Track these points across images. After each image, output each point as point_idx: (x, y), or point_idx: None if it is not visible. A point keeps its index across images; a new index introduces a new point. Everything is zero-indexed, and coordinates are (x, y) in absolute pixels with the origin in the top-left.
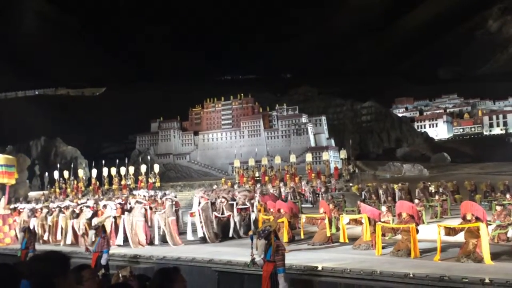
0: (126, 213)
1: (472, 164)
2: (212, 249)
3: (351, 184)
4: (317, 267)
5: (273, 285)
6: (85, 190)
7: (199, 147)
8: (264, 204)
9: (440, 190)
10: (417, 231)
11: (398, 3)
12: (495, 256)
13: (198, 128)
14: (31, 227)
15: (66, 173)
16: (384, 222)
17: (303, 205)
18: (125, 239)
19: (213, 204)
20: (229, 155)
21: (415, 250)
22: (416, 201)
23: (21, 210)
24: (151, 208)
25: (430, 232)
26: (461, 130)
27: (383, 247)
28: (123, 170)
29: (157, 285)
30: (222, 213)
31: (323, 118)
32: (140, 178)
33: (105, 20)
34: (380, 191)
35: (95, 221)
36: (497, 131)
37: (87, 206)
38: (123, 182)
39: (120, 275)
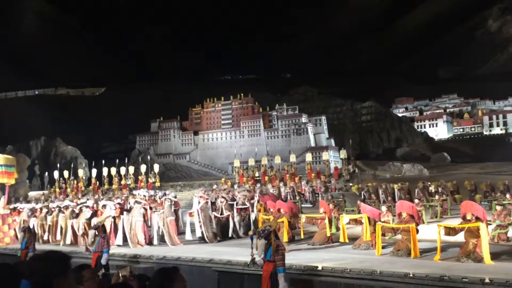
0: (125, 213)
1: (472, 164)
2: (212, 249)
3: (351, 184)
4: (317, 267)
5: (273, 285)
6: (85, 190)
7: (199, 147)
8: (264, 204)
9: (440, 190)
10: (417, 231)
11: (398, 3)
12: (495, 256)
13: (198, 128)
14: (31, 227)
15: (66, 173)
16: (384, 222)
17: (303, 205)
18: (124, 239)
19: (213, 204)
20: (229, 155)
21: (415, 250)
22: (416, 201)
23: (20, 210)
24: (151, 208)
25: (430, 232)
26: (461, 130)
27: (383, 247)
28: (123, 170)
29: (157, 285)
30: (221, 213)
31: (323, 118)
32: (140, 178)
33: (105, 20)
34: (380, 191)
35: (94, 221)
36: (497, 131)
37: (87, 206)
38: (123, 182)
39: (120, 275)
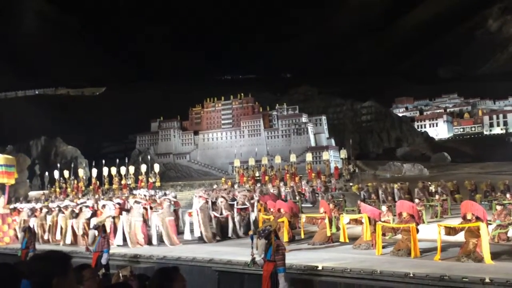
0: (124, 213)
1: (472, 164)
2: (212, 248)
3: (351, 184)
4: (317, 266)
5: (273, 285)
6: (85, 189)
7: (199, 147)
8: (264, 204)
9: (439, 190)
10: (417, 231)
11: (398, 3)
12: (495, 255)
13: (198, 128)
14: (31, 227)
15: (66, 173)
16: (384, 221)
17: (303, 205)
18: (124, 239)
19: (214, 203)
20: (229, 155)
21: (415, 249)
22: (417, 200)
23: (20, 210)
24: (151, 208)
25: (430, 232)
26: (461, 129)
27: (383, 247)
28: (123, 169)
29: (157, 285)
30: (221, 213)
31: (323, 117)
32: (140, 177)
33: (105, 20)
34: (380, 191)
35: (94, 221)
36: (497, 130)
37: (86, 206)
38: (123, 182)
39: (121, 274)
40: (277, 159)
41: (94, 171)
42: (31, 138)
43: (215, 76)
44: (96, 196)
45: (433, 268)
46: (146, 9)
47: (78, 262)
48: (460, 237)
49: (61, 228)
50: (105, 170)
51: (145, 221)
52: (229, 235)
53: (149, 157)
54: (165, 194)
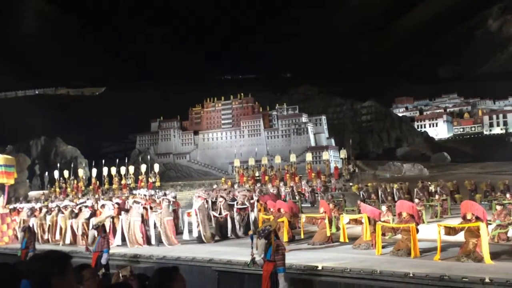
0: (123, 213)
1: (472, 164)
2: (212, 248)
3: (351, 184)
4: (317, 266)
5: (273, 285)
6: (85, 189)
7: (199, 147)
8: (264, 204)
9: (438, 190)
10: (417, 231)
11: (398, 3)
12: (495, 255)
13: (198, 128)
14: (31, 227)
15: (66, 173)
16: (384, 221)
17: (303, 205)
18: (123, 239)
19: (214, 203)
20: (229, 155)
21: (415, 249)
22: (416, 200)
23: (20, 210)
24: (151, 208)
25: (430, 232)
26: (461, 129)
27: (383, 247)
28: (123, 169)
29: (156, 285)
30: (220, 213)
31: (323, 117)
32: (140, 177)
33: (105, 20)
34: (379, 191)
35: (93, 220)
36: (497, 130)
37: (86, 206)
38: (123, 182)
39: (121, 274)
40: (277, 159)
41: (94, 171)
42: (31, 138)
43: (215, 76)
44: (96, 196)
45: (433, 268)
46: (146, 9)
47: (77, 262)
48: (460, 237)
49: (61, 228)
50: (105, 170)
51: (144, 221)
52: (229, 235)
53: (149, 157)
54: (165, 194)
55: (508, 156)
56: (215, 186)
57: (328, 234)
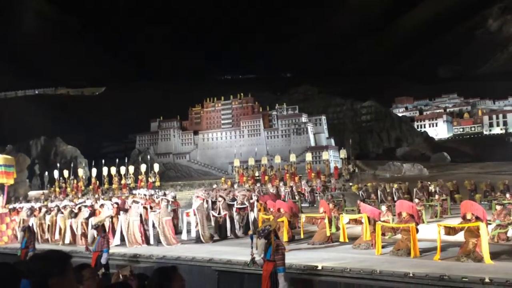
0: (121, 212)
1: (472, 164)
2: (212, 248)
3: (350, 184)
4: (317, 266)
5: (273, 285)
6: (85, 189)
7: (199, 147)
8: (264, 204)
9: (437, 190)
10: (417, 231)
11: (398, 3)
12: (495, 255)
13: (198, 128)
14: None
15: (66, 173)
16: (384, 221)
17: (302, 205)
18: (122, 239)
19: (214, 203)
20: (229, 155)
21: (415, 249)
22: (416, 200)
23: (19, 210)
24: (151, 207)
25: (430, 232)
26: (461, 129)
27: (383, 247)
28: (123, 169)
29: (156, 284)
30: (219, 213)
31: (323, 117)
32: (140, 177)
33: (105, 20)
34: (378, 191)
35: (92, 220)
36: (497, 130)
37: (85, 206)
38: (123, 182)
39: (120, 274)
40: (277, 159)
41: (94, 171)
42: (31, 138)
43: (215, 76)
44: (96, 196)
45: (433, 268)
46: (146, 9)
47: (77, 262)
48: (459, 237)
49: (60, 228)
50: (104, 170)
51: (142, 221)
52: (228, 234)
53: (148, 157)
54: (164, 194)
55: (508, 156)
56: (215, 186)
57: (328, 234)
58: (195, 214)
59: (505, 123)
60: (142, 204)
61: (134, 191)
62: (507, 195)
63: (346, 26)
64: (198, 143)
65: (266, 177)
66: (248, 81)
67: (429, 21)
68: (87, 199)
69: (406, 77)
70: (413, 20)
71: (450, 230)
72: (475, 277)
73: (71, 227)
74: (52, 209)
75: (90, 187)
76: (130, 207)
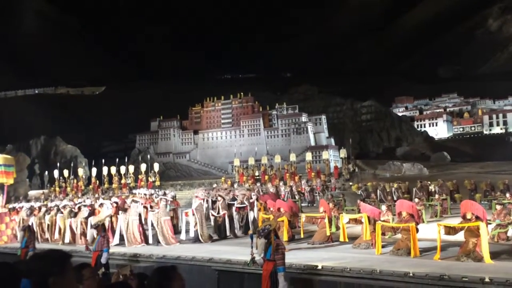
0: (120, 212)
1: (472, 163)
2: (212, 248)
3: (350, 183)
4: (317, 266)
5: (273, 284)
6: (85, 189)
7: (199, 146)
8: (264, 203)
9: (437, 189)
10: (417, 230)
11: (398, 3)
12: (495, 255)
13: (198, 127)
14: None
15: (66, 172)
16: (384, 221)
17: (302, 204)
18: (121, 238)
19: (214, 202)
20: (229, 154)
21: (415, 249)
22: (416, 200)
23: (18, 209)
24: (151, 207)
25: (430, 231)
26: (461, 129)
27: (383, 246)
28: (123, 169)
29: (155, 284)
30: (218, 212)
31: (323, 117)
32: (140, 177)
33: (105, 20)
34: (378, 190)
35: (91, 220)
36: (497, 130)
37: (85, 205)
38: (123, 181)
39: (120, 274)
40: (277, 159)
41: (94, 170)
42: (31, 137)
43: (215, 75)
44: (96, 196)
45: (433, 268)
46: (146, 9)
47: (77, 261)
48: (459, 236)
49: (60, 228)
50: (104, 170)
51: (141, 220)
52: (228, 234)
53: (148, 156)
54: (164, 194)
55: (508, 155)
56: (215, 186)
57: (328, 234)
58: (193, 214)
59: (505, 123)
60: (142, 204)
61: (134, 191)
62: (507, 195)
63: (346, 26)
64: (198, 143)
65: (266, 177)
66: (248, 81)
67: (429, 21)
68: (87, 198)
69: (406, 77)
70: (413, 20)
71: (450, 230)
72: (475, 277)
73: (70, 226)
74: (51, 208)
75: (90, 186)
76: (129, 206)
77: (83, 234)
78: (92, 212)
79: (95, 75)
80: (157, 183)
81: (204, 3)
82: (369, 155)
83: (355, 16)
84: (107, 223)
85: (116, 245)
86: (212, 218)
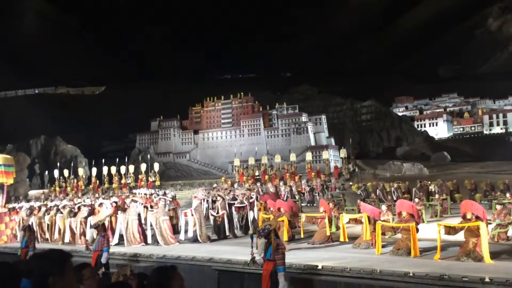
0: (119, 212)
1: (472, 163)
2: (212, 248)
3: (350, 183)
4: (317, 266)
5: (273, 284)
6: (85, 188)
7: (199, 146)
8: (264, 203)
9: (437, 189)
10: (417, 230)
11: (398, 3)
12: (495, 255)
13: (198, 127)
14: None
15: (66, 172)
16: (384, 221)
17: (302, 204)
18: (120, 238)
19: (214, 202)
20: (229, 154)
21: (415, 249)
22: (416, 200)
23: (18, 210)
24: (151, 207)
25: (430, 231)
26: (461, 129)
27: (383, 246)
28: (123, 168)
29: (155, 284)
30: (217, 212)
31: (323, 117)
32: (140, 176)
33: (105, 20)
34: (378, 190)
35: (91, 219)
36: (497, 130)
37: (84, 205)
38: (123, 181)
39: (120, 273)
40: (277, 158)
41: (94, 170)
42: (31, 137)
43: (215, 75)
44: (96, 195)
45: (433, 268)
46: (146, 9)
47: (77, 261)
48: (460, 236)
49: (59, 228)
50: (105, 169)
51: (141, 220)
52: (227, 234)
53: (149, 156)
54: (164, 194)
55: (508, 155)
56: (215, 185)
57: (328, 234)
58: (192, 214)
59: (505, 123)
60: (141, 203)
61: (134, 191)
62: (507, 195)
63: (346, 26)
64: (198, 143)
65: (266, 177)
66: (248, 81)
67: (429, 21)
68: (87, 198)
69: (406, 77)
70: (413, 20)
71: (450, 230)
72: (475, 277)
73: (70, 226)
74: (51, 208)
75: (90, 186)
76: (128, 206)
77: (83, 234)
78: (91, 212)
79: (95, 75)
80: (157, 183)
81: (204, 3)
82: (369, 155)
83: (355, 16)
84: (106, 223)
85: (116, 244)
86: (211, 218)
